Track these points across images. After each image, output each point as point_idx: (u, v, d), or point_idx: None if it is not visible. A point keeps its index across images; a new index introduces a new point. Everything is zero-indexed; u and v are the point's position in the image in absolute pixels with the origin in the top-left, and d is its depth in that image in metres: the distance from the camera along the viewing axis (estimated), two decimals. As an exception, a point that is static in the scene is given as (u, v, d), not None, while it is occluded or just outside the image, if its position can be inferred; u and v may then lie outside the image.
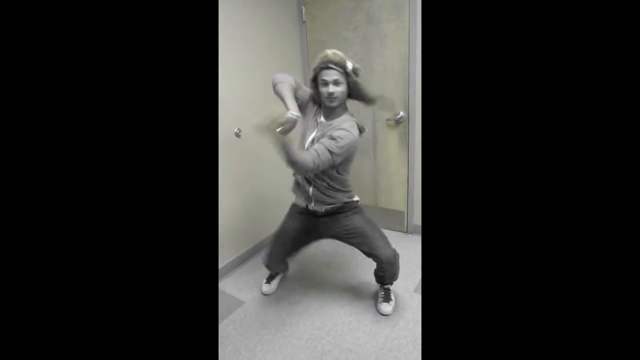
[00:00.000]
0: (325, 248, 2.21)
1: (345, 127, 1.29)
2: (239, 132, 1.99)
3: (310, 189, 1.47)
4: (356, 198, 1.58)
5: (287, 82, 1.36)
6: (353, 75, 1.28)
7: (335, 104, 1.30)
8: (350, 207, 1.55)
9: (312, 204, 1.50)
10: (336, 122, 1.35)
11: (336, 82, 1.26)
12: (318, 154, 1.22)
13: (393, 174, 2.35)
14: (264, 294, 1.85)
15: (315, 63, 1.28)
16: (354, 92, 1.33)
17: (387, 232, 2.46)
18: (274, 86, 1.37)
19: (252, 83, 2.06)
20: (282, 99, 1.33)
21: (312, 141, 1.39)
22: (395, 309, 1.66)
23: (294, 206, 1.63)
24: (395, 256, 1.56)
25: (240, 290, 1.91)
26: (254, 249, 2.27)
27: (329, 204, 1.49)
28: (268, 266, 1.75)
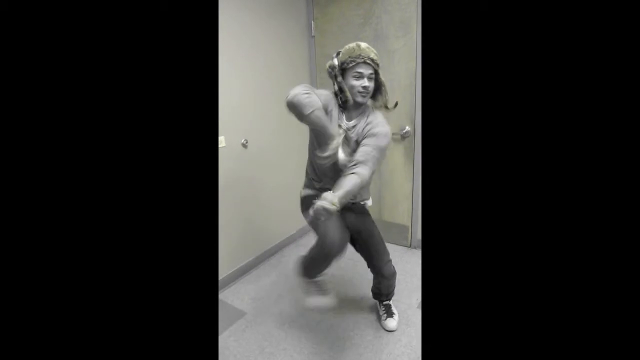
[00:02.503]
0: (328, 260, 2.19)
1: (382, 121, 1.24)
2: (246, 142, 2.01)
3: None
4: (369, 202, 1.49)
5: (318, 105, 1.15)
6: (380, 74, 1.24)
7: (366, 99, 1.23)
8: (360, 207, 1.48)
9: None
10: (361, 122, 1.25)
11: (370, 77, 1.20)
12: (372, 162, 1.14)
13: (397, 188, 2.35)
14: (323, 309, 1.56)
15: (345, 55, 1.19)
16: (377, 92, 1.27)
17: (390, 246, 2.46)
18: (309, 113, 1.13)
19: (260, 94, 2.09)
20: (322, 127, 1.18)
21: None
22: (398, 324, 1.64)
23: (307, 204, 1.38)
24: (395, 274, 1.57)
25: (242, 301, 1.90)
26: (257, 259, 2.27)
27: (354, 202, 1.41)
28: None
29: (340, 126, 1.25)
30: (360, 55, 1.17)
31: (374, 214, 2.54)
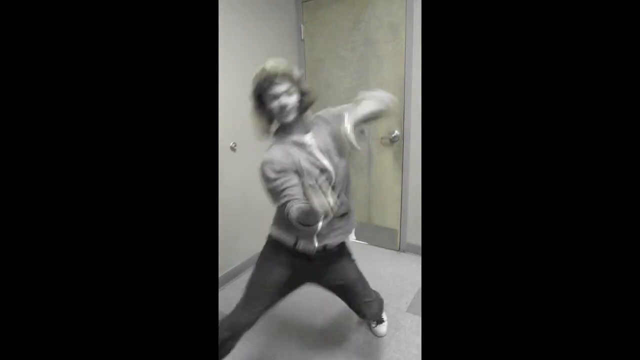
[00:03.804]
0: (317, 265, 2.19)
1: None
2: (235, 146, 1.99)
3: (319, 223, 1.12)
4: (353, 237, 1.32)
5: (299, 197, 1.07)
6: (301, 84, 1.14)
7: (292, 116, 1.12)
8: (346, 247, 1.36)
9: (313, 245, 1.20)
10: (322, 128, 1.18)
11: (288, 93, 1.10)
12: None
13: (386, 192, 2.36)
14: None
15: (255, 83, 1.12)
16: (305, 101, 1.17)
17: (379, 250, 2.48)
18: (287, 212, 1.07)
19: (248, 97, 2.08)
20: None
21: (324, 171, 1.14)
22: (387, 328, 1.63)
23: (274, 245, 1.28)
24: (380, 307, 1.53)
25: (229, 307, 1.86)
26: (245, 264, 2.24)
27: (335, 243, 1.24)
28: (239, 330, 1.30)
29: (304, 143, 1.15)
30: (265, 78, 1.09)
31: (363, 217, 2.56)
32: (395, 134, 2.19)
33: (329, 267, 1.31)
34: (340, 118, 1.05)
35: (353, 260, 1.39)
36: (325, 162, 1.14)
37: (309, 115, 1.22)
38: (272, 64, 1.10)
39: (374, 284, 1.95)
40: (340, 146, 1.11)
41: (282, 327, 1.69)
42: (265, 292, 1.28)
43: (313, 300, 1.88)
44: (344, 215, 1.22)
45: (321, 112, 1.21)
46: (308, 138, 1.15)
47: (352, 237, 1.29)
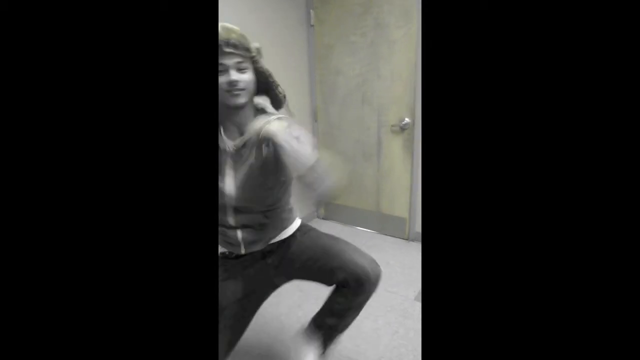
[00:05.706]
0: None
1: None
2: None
3: (239, 233, 1.03)
4: (297, 222, 1.15)
5: None
6: (259, 58, 0.92)
7: (242, 99, 0.88)
8: (299, 231, 1.16)
9: (243, 249, 1.06)
10: (251, 139, 0.92)
11: (239, 67, 0.86)
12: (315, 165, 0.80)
13: (396, 180, 2.34)
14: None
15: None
16: (260, 83, 0.93)
17: (388, 239, 2.48)
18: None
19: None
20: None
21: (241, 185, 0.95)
22: (395, 316, 1.64)
23: (223, 259, 1.12)
24: (374, 271, 1.08)
25: (239, 292, 1.90)
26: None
27: (270, 241, 1.09)
28: None
29: (226, 150, 0.94)
30: None
31: (371, 206, 2.55)
32: (405, 122, 2.15)
33: (286, 255, 1.09)
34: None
35: (310, 231, 1.16)
36: (228, 178, 0.94)
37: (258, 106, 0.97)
38: (225, 27, 0.87)
39: (382, 272, 1.95)
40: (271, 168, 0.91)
41: (289, 313, 1.71)
42: (225, 316, 1.03)
43: (322, 288, 1.90)
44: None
45: (276, 128, 0.85)
46: (234, 143, 0.93)
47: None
